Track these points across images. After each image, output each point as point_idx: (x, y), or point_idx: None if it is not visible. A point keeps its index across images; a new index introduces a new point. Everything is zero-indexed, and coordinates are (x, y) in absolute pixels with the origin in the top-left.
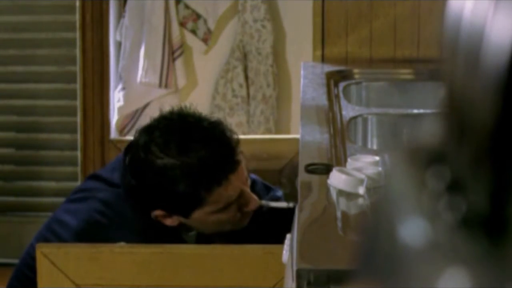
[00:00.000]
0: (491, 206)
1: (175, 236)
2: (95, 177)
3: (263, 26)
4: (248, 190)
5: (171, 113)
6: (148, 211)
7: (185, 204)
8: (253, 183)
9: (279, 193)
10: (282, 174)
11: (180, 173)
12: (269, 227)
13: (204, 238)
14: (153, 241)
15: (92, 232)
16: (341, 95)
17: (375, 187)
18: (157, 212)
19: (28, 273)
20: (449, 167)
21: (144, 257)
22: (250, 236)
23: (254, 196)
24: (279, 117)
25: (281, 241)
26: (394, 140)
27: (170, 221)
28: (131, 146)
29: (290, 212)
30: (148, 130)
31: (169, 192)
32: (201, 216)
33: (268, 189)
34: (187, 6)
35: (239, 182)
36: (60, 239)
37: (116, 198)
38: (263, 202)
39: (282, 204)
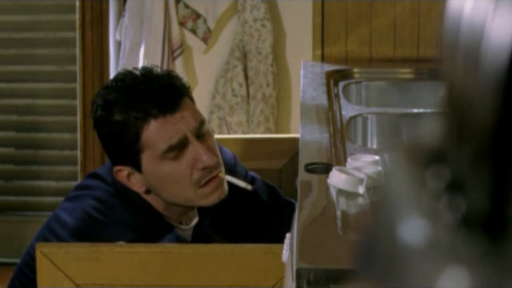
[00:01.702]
0: (491, 205)
1: (170, 231)
2: (93, 175)
3: (263, 26)
4: (202, 144)
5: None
6: (116, 164)
7: (128, 145)
8: (253, 181)
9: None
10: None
11: (118, 109)
12: (253, 212)
13: (200, 234)
14: (149, 237)
15: (88, 229)
16: (341, 94)
17: (375, 186)
18: (117, 168)
19: (29, 273)
20: (449, 167)
21: (144, 257)
22: (245, 227)
23: (212, 154)
24: (279, 116)
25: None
26: (394, 139)
27: (135, 184)
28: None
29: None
30: (103, 87)
31: (113, 134)
32: (150, 165)
33: (269, 188)
34: (186, 6)
35: (181, 127)
36: (59, 238)
37: (108, 195)
38: (228, 177)
39: (241, 184)
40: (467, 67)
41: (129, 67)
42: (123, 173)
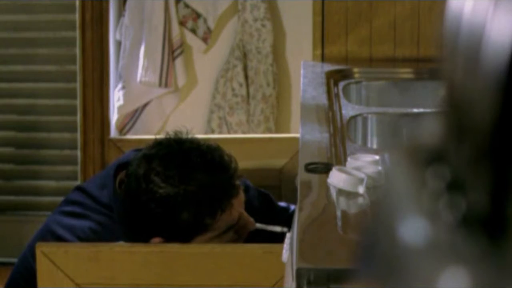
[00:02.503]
0: (491, 205)
1: None
2: (83, 190)
3: (263, 25)
4: (245, 212)
5: (168, 139)
6: (145, 239)
7: (187, 231)
8: (247, 189)
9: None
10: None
11: (183, 202)
12: None
13: None
14: None
15: None
16: (341, 94)
17: (375, 186)
18: (156, 240)
19: (25, 277)
20: (449, 166)
21: (144, 257)
22: None
23: (251, 219)
24: (279, 116)
25: None
26: (394, 139)
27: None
28: (128, 175)
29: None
30: (147, 158)
31: (171, 221)
32: (201, 240)
33: (262, 196)
34: (187, 5)
35: (239, 205)
36: None
37: (109, 221)
38: (258, 225)
39: (276, 229)
40: (467, 67)
41: (129, 67)
42: (159, 240)
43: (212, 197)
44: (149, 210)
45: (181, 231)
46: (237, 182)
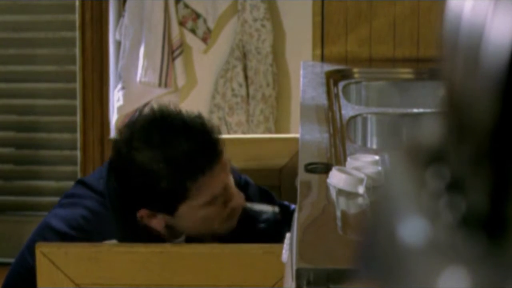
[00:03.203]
0: (491, 205)
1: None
2: (82, 183)
3: (263, 26)
4: (232, 185)
5: (152, 109)
6: (133, 213)
7: (170, 197)
8: (247, 186)
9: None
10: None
11: (165, 166)
12: (259, 237)
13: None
14: None
15: (78, 238)
16: (340, 94)
17: (375, 186)
18: (142, 212)
19: (21, 284)
20: (449, 167)
21: (144, 257)
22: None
23: (239, 192)
24: (278, 116)
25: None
26: (393, 139)
27: (156, 223)
28: (113, 144)
29: (278, 222)
30: (129, 125)
31: (153, 186)
32: (187, 212)
33: (263, 193)
34: (186, 6)
35: (224, 174)
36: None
37: (101, 207)
38: (248, 204)
39: (267, 208)
40: (467, 67)
41: (129, 67)
42: (147, 215)
43: (192, 160)
44: (131, 177)
45: (163, 197)
46: (221, 148)
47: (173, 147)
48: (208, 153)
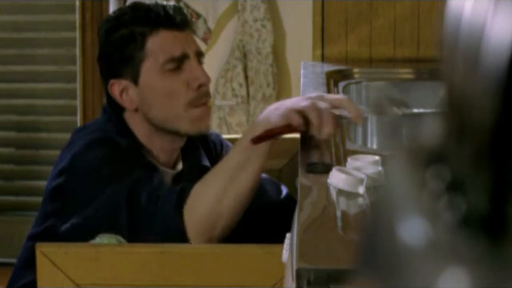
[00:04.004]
0: (491, 205)
1: (151, 168)
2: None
3: (263, 26)
4: (198, 66)
5: None
6: (107, 87)
7: (125, 51)
8: (221, 146)
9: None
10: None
11: (116, 17)
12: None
13: (180, 181)
14: (127, 163)
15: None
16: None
17: (375, 186)
18: (112, 82)
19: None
20: (449, 167)
21: (144, 257)
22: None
23: (205, 72)
24: None
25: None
26: (394, 139)
27: (128, 101)
28: None
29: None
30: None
31: (114, 39)
32: (149, 77)
33: (275, 185)
34: (186, 6)
35: (185, 44)
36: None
37: (99, 118)
38: (212, 104)
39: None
40: (467, 67)
41: None
42: (117, 87)
43: (154, 11)
44: (101, 46)
45: (125, 52)
46: (183, 18)
47: (138, 6)
48: (171, 14)
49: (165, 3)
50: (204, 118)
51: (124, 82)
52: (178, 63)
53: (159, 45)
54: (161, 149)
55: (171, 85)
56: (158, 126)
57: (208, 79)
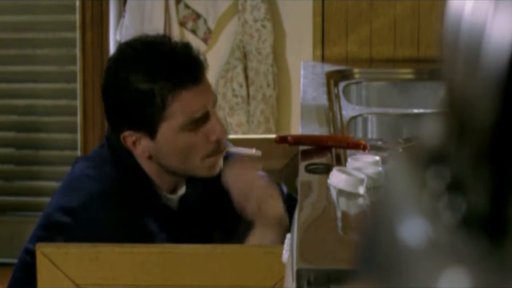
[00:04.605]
0: (491, 206)
1: (157, 199)
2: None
3: (263, 26)
4: (216, 117)
5: (139, 35)
6: (118, 135)
7: (150, 112)
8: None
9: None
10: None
11: (145, 77)
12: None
13: (189, 204)
14: (134, 202)
15: (82, 185)
16: (341, 94)
17: (375, 186)
18: (126, 133)
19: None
20: (449, 167)
21: (144, 257)
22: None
23: (223, 125)
24: (279, 117)
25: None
26: (394, 139)
27: (140, 150)
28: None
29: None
30: (117, 48)
31: (133, 99)
32: (167, 134)
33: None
34: (187, 6)
35: (205, 97)
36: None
37: (99, 152)
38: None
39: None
40: (467, 67)
41: None
42: (131, 138)
43: (172, 72)
44: (113, 94)
45: (143, 112)
46: (201, 74)
47: (155, 61)
48: (189, 69)
49: (181, 46)
50: (218, 164)
51: (138, 135)
52: (198, 123)
53: (180, 106)
54: (168, 181)
55: (190, 140)
56: (172, 171)
57: (225, 133)
